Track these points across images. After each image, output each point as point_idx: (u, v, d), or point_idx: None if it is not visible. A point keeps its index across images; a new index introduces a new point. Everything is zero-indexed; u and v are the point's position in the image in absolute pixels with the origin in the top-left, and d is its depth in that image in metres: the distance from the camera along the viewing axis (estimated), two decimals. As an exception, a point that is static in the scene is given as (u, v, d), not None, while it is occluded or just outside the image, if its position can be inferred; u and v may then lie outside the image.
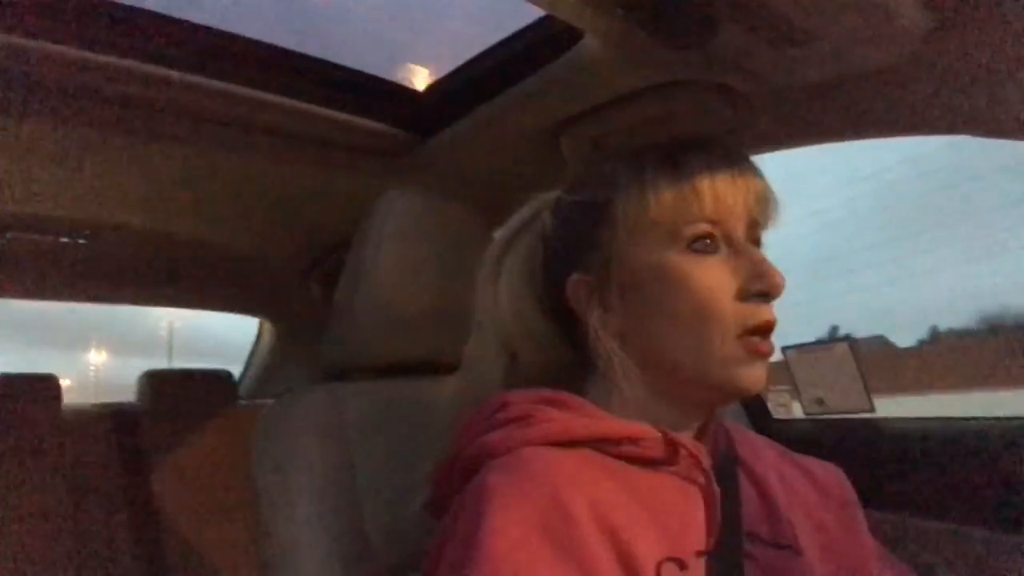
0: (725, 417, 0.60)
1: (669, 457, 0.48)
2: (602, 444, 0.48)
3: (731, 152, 0.52)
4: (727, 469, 0.52)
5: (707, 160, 0.50)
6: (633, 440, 0.48)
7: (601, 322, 0.52)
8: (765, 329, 0.48)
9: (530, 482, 0.44)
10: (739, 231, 0.50)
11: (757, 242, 0.53)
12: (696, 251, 0.49)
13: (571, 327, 0.54)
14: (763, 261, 0.50)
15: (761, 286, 0.48)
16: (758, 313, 0.48)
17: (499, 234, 0.61)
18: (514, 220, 0.61)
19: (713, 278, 0.48)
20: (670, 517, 0.46)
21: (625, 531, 0.43)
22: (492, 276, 0.58)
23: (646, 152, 0.53)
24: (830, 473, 0.58)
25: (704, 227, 0.49)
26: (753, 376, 0.48)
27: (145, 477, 1.58)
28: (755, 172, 0.52)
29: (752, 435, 0.60)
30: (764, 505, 0.52)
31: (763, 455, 0.57)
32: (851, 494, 0.57)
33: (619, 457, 0.48)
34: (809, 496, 0.55)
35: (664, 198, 0.49)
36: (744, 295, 0.48)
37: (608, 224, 0.52)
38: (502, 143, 1.01)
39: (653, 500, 0.46)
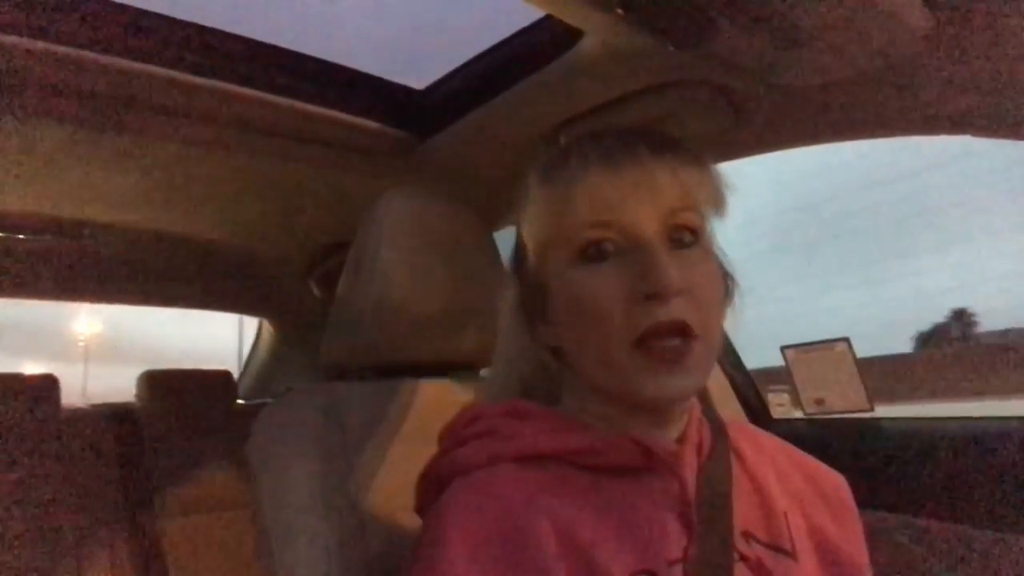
0: (728, 417, 0.59)
1: (642, 464, 0.47)
2: (570, 456, 0.47)
3: (627, 139, 0.48)
4: (716, 470, 0.50)
5: (584, 161, 0.47)
6: (601, 451, 0.47)
7: (538, 333, 0.52)
8: (662, 331, 0.44)
9: (492, 504, 0.44)
10: (640, 228, 0.46)
11: (695, 231, 0.47)
12: (586, 260, 0.46)
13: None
14: (653, 260, 0.44)
15: (645, 287, 0.44)
16: (650, 314, 0.44)
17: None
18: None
19: (599, 285, 0.45)
20: (641, 527, 0.45)
21: (592, 548, 0.42)
22: (501, 293, 0.59)
23: (533, 170, 0.52)
24: (833, 479, 0.57)
25: (588, 234, 0.46)
26: (657, 385, 0.45)
27: (145, 477, 1.58)
28: (656, 160, 0.46)
29: (759, 433, 0.59)
30: (763, 506, 0.51)
31: (766, 454, 0.56)
32: (851, 503, 0.56)
33: (588, 467, 0.47)
34: (809, 499, 0.54)
35: (542, 214, 0.49)
36: (634, 298, 0.44)
37: (522, 244, 0.52)
38: (502, 143, 1.01)
39: (623, 510, 0.45)
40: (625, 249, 0.46)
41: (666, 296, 0.44)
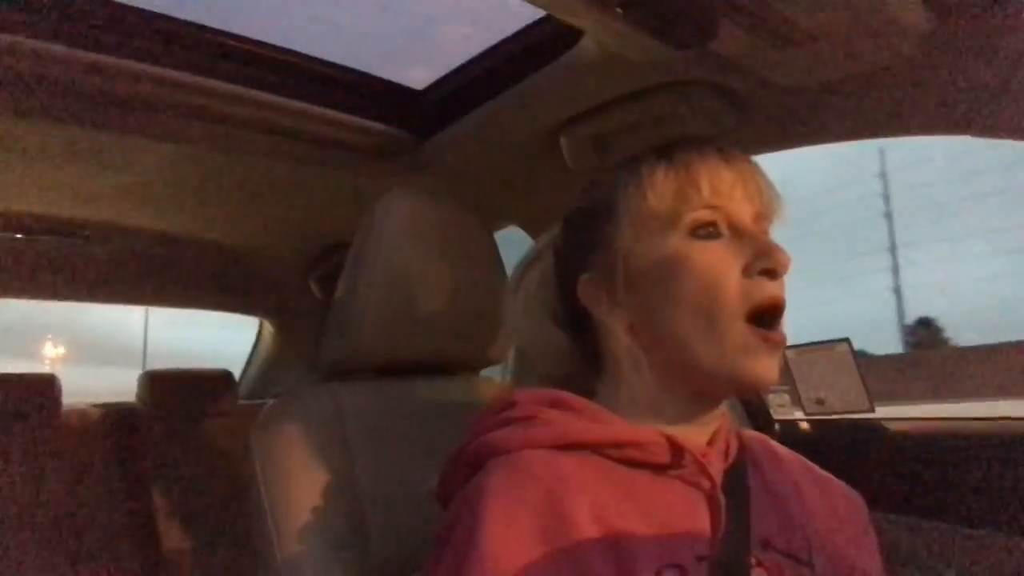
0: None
1: (674, 462, 0.48)
2: (604, 448, 0.48)
3: (726, 147, 0.53)
4: (737, 476, 0.51)
5: (701, 152, 0.52)
6: (636, 445, 0.48)
7: (610, 316, 0.53)
8: (773, 308, 0.48)
9: (529, 484, 0.44)
10: (744, 218, 0.51)
11: (764, 234, 0.53)
12: (698, 237, 0.49)
13: (584, 331, 0.55)
14: (767, 240, 0.50)
15: (766, 263, 0.48)
16: (764, 288, 0.48)
17: (520, 258, 0.64)
18: (534, 245, 0.64)
19: (716, 259, 0.49)
20: (671, 523, 0.46)
21: (624, 537, 0.43)
22: (512, 294, 0.61)
23: (644, 153, 0.54)
24: (851, 499, 0.58)
25: (704, 213, 0.50)
26: (763, 366, 0.48)
27: (145, 477, 1.58)
28: (752, 165, 0.53)
29: (776, 446, 0.60)
30: (780, 514, 0.51)
31: (785, 466, 0.57)
32: (867, 523, 0.57)
33: (622, 461, 0.48)
34: (824, 514, 0.54)
35: (661, 188, 0.50)
36: (749, 272, 0.48)
37: (612, 223, 0.53)
38: (502, 143, 1.01)
39: (654, 505, 0.46)
40: (730, 233, 0.50)
41: (780, 273, 0.49)
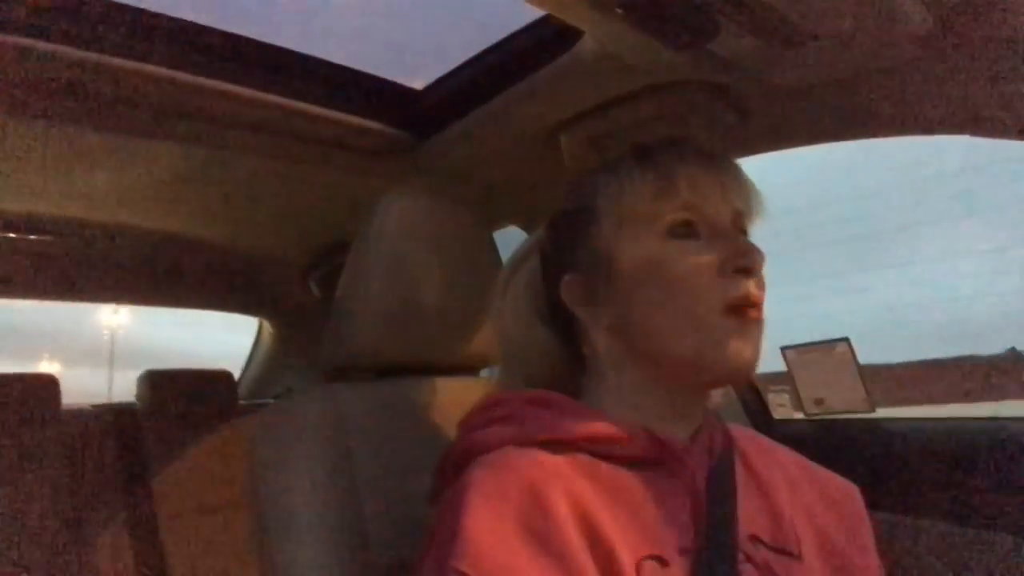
0: (729, 419, 0.59)
1: (656, 457, 0.49)
2: (586, 444, 0.49)
3: (706, 148, 0.54)
4: (723, 471, 0.52)
5: (680, 153, 0.53)
6: (617, 440, 0.49)
7: (592, 316, 0.54)
8: (748, 305, 0.49)
9: (512, 479, 0.45)
10: (721, 219, 0.52)
11: (744, 234, 0.54)
12: (676, 236, 0.51)
13: (568, 330, 0.56)
14: (742, 239, 0.51)
15: (741, 262, 0.49)
16: (741, 285, 0.49)
17: (507, 260, 0.65)
18: (520, 246, 0.65)
19: (692, 258, 0.50)
20: (652, 516, 0.46)
21: (605, 530, 0.44)
22: (500, 295, 0.62)
23: (623, 154, 0.56)
24: (845, 489, 0.58)
25: (682, 214, 0.51)
26: (737, 350, 0.48)
27: (145, 477, 1.58)
28: (732, 165, 0.54)
29: (768, 442, 0.60)
30: (769, 510, 0.52)
31: (776, 462, 0.57)
32: (862, 512, 0.57)
33: (604, 457, 0.49)
34: (818, 508, 0.55)
35: (640, 189, 0.52)
36: (723, 271, 0.49)
37: (593, 223, 0.54)
38: (502, 143, 1.01)
39: (636, 499, 0.47)
40: (707, 233, 0.51)
41: (755, 271, 0.50)
